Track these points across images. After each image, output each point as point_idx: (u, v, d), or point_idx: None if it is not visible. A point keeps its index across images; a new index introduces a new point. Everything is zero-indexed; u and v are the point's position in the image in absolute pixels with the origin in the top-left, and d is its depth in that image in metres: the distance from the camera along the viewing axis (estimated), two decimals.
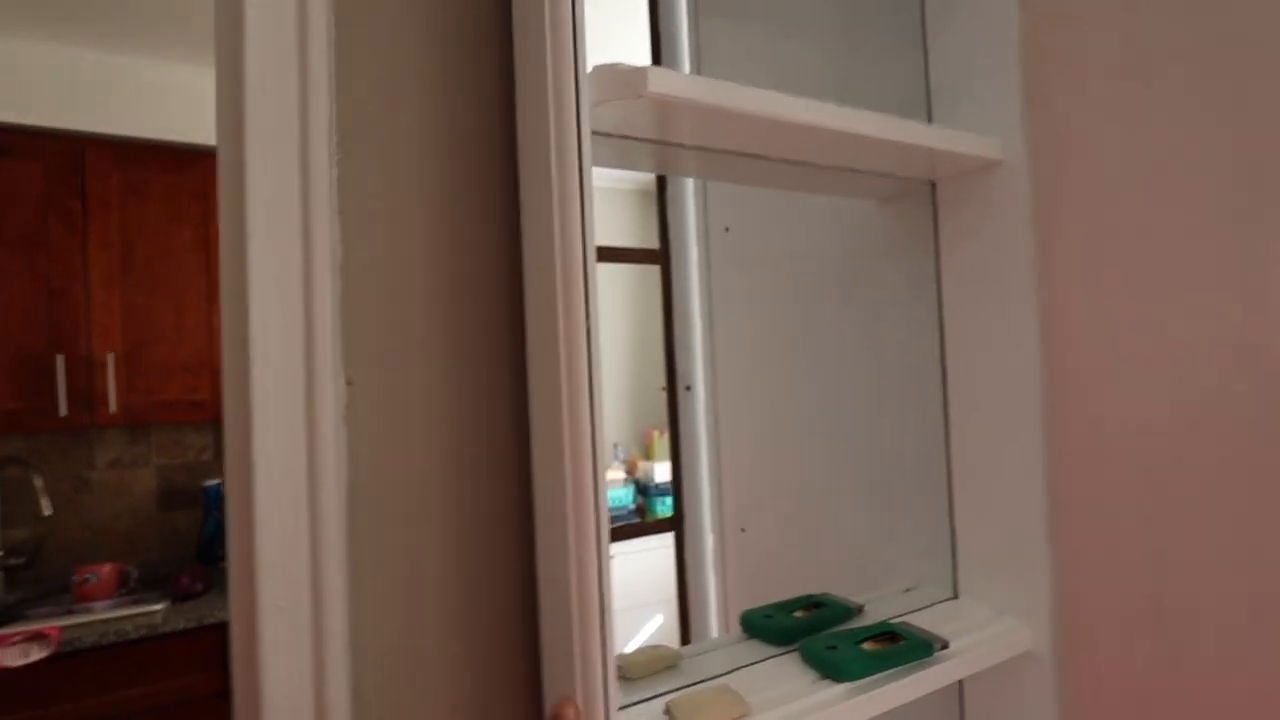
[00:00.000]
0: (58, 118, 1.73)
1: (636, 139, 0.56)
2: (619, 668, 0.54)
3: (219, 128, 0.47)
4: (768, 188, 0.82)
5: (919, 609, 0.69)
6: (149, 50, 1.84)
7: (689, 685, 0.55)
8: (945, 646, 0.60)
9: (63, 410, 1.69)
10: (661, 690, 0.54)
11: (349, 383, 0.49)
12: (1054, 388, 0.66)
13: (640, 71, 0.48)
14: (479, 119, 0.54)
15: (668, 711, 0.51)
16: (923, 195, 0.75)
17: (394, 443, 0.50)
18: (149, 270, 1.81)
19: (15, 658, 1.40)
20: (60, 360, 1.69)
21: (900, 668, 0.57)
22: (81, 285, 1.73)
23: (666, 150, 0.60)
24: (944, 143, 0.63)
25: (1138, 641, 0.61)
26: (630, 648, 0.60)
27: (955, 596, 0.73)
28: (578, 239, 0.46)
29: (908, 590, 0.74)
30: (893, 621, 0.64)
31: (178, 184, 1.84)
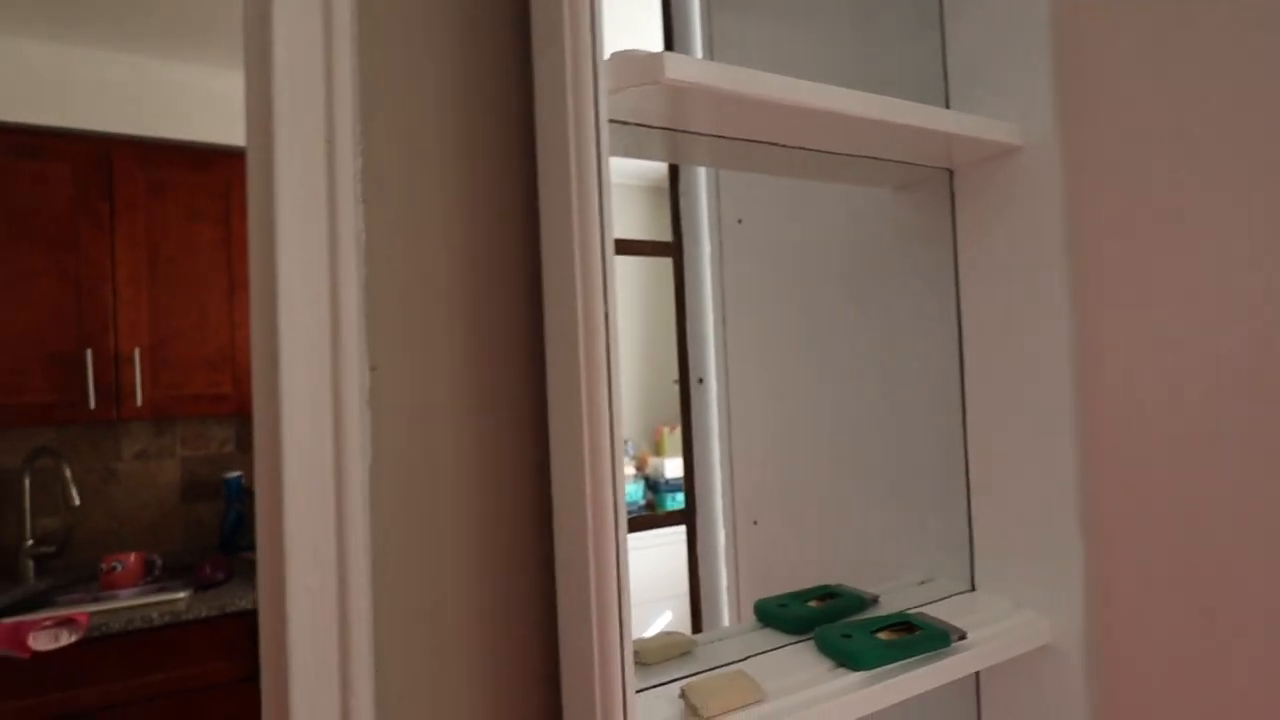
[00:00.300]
0: (85, 119, 1.77)
1: (652, 127, 0.56)
2: (634, 653, 0.54)
3: (248, 120, 0.48)
4: (782, 176, 0.82)
5: (935, 601, 0.69)
6: (171, 53, 1.88)
7: (704, 671, 0.55)
8: (963, 637, 0.60)
9: (92, 403, 1.74)
10: (676, 675, 0.55)
11: (373, 368, 0.50)
12: (1085, 377, 0.65)
13: (657, 57, 0.48)
14: (497, 109, 0.55)
15: (683, 695, 0.52)
16: (939, 183, 0.75)
17: (415, 427, 0.51)
18: (173, 268, 1.86)
19: (47, 642, 1.44)
20: (89, 355, 1.74)
21: (917, 657, 0.57)
22: (109, 283, 1.78)
23: (680, 138, 0.60)
24: (963, 128, 0.62)
25: (1175, 634, 0.60)
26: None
27: (972, 589, 0.72)
28: (596, 225, 0.46)
29: (923, 583, 0.74)
30: (909, 612, 0.63)
31: (199, 184, 1.89)
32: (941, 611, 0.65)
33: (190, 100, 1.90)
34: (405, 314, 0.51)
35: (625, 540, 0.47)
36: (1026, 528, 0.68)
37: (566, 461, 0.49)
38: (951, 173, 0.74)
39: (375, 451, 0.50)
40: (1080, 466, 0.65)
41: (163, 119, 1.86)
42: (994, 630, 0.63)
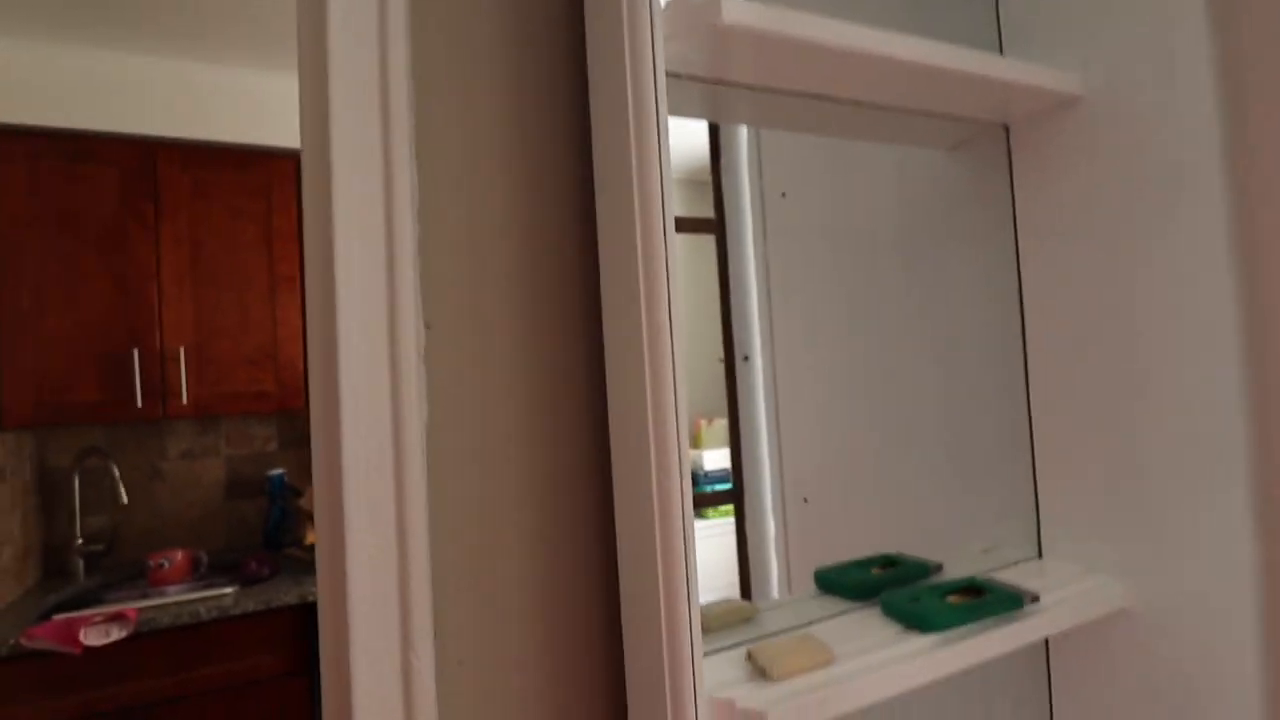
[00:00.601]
0: (131, 123, 1.83)
1: (701, 79, 0.55)
2: None
3: (301, 74, 0.49)
4: (828, 135, 0.80)
5: (1002, 567, 0.66)
6: (213, 57, 1.93)
7: (769, 635, 0.54)
8: (1036, 599, 0.57)
9: (138, 402, 1.78)
10: (740, 640, 0.53)
11: (428, 326, 0.50)
12: (1247, 340, 0.56)
13: (713, 0, 0.47)
14: (550, 61, 0.54)
15: (750, 658, 0.50)
16: (993, 141, 0.72)
17: (471, 385, 0.51)
18: (215, 267, 1.90)
19: (98, 638, 1.48)
20: (136, 354, 1.79)
21: (990, 620, 0.55)
22: (155, 283, 1.83)
23: (724, 93, 0.58)
24: (1024, 76, 0.60)
25: None
26: None
27: (1039, 556, 0.69)
28: (655, 176, 0.45)
29: (986, 550, 0.71)
30: (978, 577, 0.61)
31: (240, 184, 1.93)
32: (1010, 577, 0.62)
33: (231, 103, 1.96)
34: (459, 273, 0.51)
35: (690, 500, 0.46)
36: (1104, 492, 0.65)
37: (628, 425, 0.48)
38: (1007, 129, 0.72)
39: (431, 409, 0.49)
40: (1241, 436, 0.56)
41: (205, 121, 1.91)
42: (1068, 593, 0.60)
